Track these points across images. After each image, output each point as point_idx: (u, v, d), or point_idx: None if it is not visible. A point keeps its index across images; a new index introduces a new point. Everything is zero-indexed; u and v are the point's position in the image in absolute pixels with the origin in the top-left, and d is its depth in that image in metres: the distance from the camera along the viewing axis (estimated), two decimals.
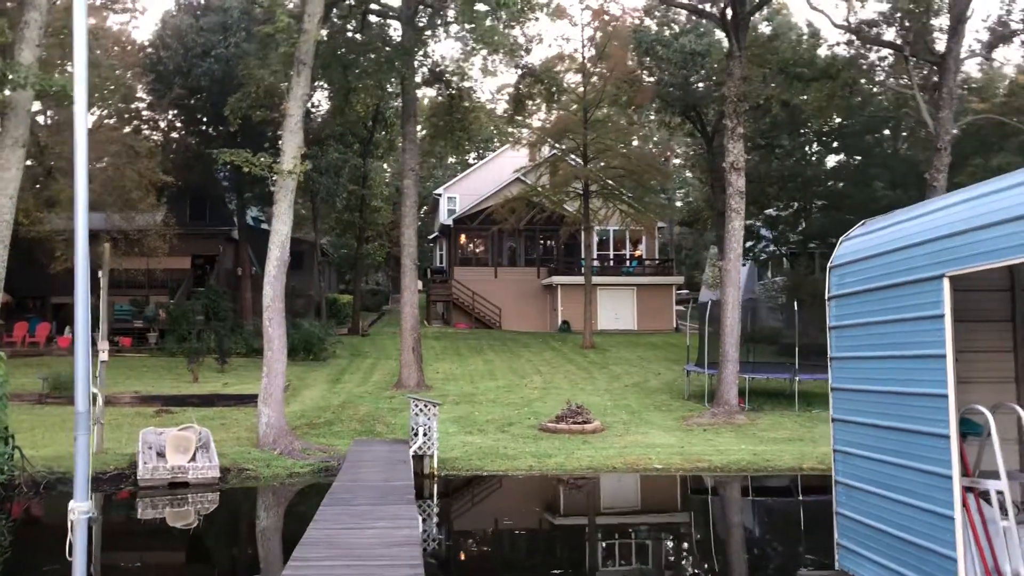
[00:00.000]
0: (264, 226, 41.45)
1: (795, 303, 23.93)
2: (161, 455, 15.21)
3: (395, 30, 25.85)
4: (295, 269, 25.49)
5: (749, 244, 39.22)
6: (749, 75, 22.01)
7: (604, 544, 12.64)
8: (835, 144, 40.96)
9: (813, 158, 43.37)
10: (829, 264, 7.15)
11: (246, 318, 34.92)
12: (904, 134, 39.29)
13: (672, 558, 11.93)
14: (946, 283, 5.40)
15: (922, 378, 5.63)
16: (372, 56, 24.10)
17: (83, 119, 4.80)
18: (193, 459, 15.10)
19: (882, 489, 6.17)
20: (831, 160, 44.10)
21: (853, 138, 38.20)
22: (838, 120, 37.89)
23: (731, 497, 16.09)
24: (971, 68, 37.27)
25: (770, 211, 42.97)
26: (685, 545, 12.84)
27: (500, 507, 15.23)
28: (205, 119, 35.34)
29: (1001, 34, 27.92)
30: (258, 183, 34.93)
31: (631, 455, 17.09)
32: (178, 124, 37.22)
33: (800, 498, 16.09)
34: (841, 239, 7.17)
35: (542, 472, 16.21)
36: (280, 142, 18.58)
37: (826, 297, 7.16)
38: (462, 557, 11.31)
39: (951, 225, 5.39)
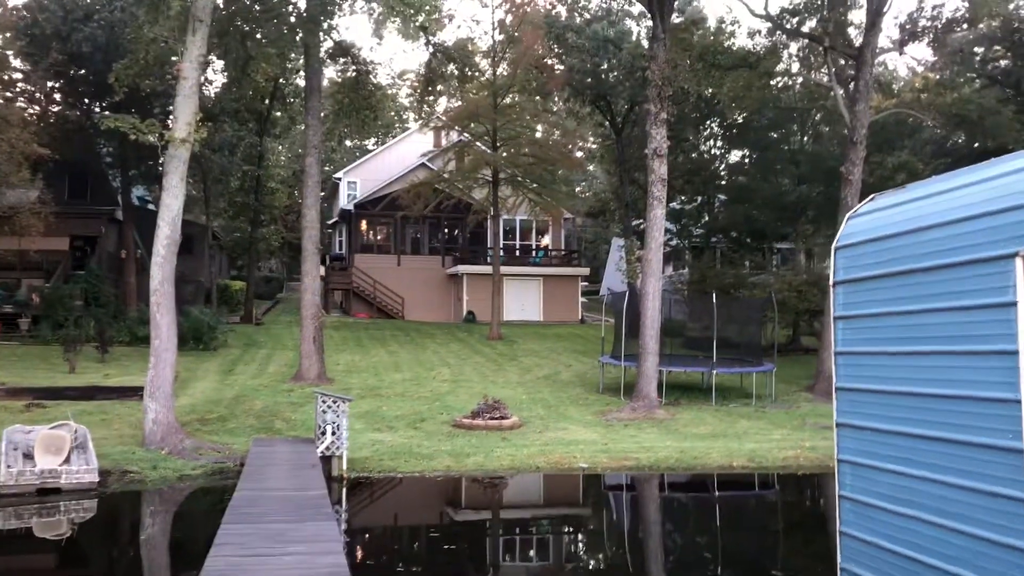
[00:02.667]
0: (151, 206, 38.82)
1: (713, 296, 23.36)
2: (29, 457, 13.34)
3: None
4: (184, 253, 23.31)
5: None
6: (673, 58, 21.18)
7: (564, 559, 11.50)
8: (739, 139, 41.02)
9: (718, 152, 43.49)
10: (834, 245, 6.16)
11: (130, 304, 32.52)
12: (809, 130, 39.63)
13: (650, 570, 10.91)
14: (1019, 263, 4.45)
15: (982, 379, 4.68)
16: (275, 23, 22.28)
17: None
18: (67, 461, 13.29)
19: (914, 510, 5.21)
20: (735, 155, 44.33)
21: (759, 132, 38.27)
22: (742, 117, 37.86)
23: (671, 498, 15.37)
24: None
25: (674, 204, 42.80)
26: (650, 553, 11.86)
27: (425, 516, 13.74)
28: (87, 89, 32.63)
29: (911, 31, 28.15)
30: (145, 159, 32.57)
31: (554, 453, 16.06)
32: (56, 96, 34.31)
33: (735, 495, 15.43)
34: (848, 216, 6.20)
35: (461, 473, 15.01)
36: (172, 111, 16.77)
37: (831, 283, 6.17)
38: None
39: None
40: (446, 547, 11.66)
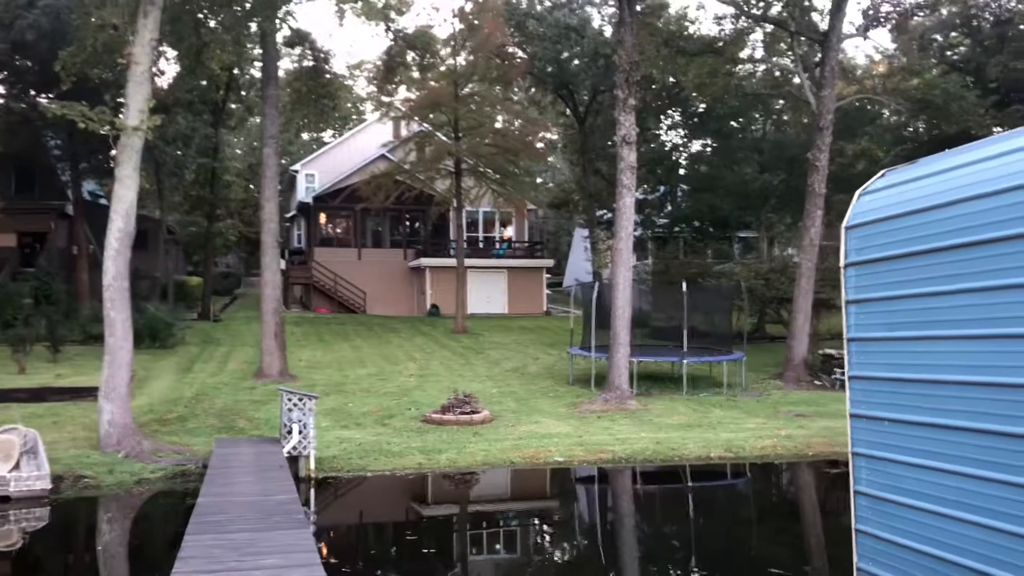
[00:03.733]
0: (103, 201, 37.71)
1: (683, 285, 23.06)
2: None
3: None
4: (139, 249, 22.57)
5: None
6: (640, 43, 20.82)
7: (550, 555, 11.07)
8: (702, 128, 40.87)
9: (680, 141, 43.32)
10: (844, 224, 5.80)
11: (83, 302, 31.51)
12: (772, 117, 39.64)
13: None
14: None
15: (1009, 364, 4.32)
16: (229, 7, 21.53)
17: None
18: (16, 467, 12.60)
19: (939, 505, 4.86)
20: (697, 144, 44.20)
21: (722, 120, 38.12)
22: (704, 105, 37.66)
23: (653, 491, 15.06)
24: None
25: (636, 194, 42.50)
26: (640, 548, 11.47)
27: (399, 516, 13.22)
28: (32, 80, 31.48)
29: (874, 16, 28.12)
30: (95, 151, 31.58)
31: (528, 447, 15.65)
32: None
33: (716, 486, 15.15)
34: (858, 193, 5.84)
35: (433, 470, 14.53)
36: (124, 100, 16.04)
37: (841, 264, 5.81)
38: None
39: None
40: (425, 549, 11.17)
